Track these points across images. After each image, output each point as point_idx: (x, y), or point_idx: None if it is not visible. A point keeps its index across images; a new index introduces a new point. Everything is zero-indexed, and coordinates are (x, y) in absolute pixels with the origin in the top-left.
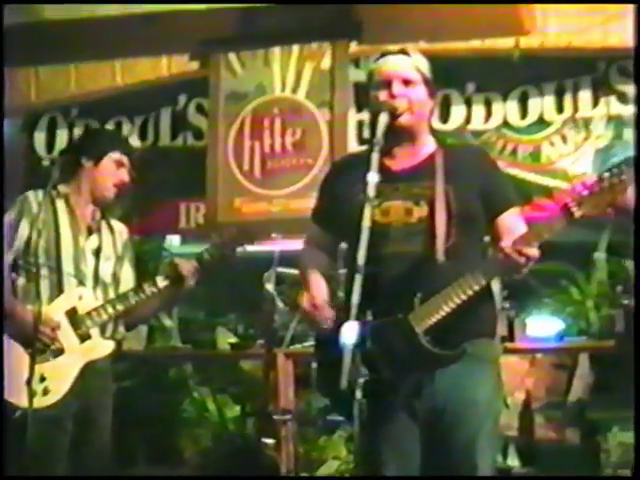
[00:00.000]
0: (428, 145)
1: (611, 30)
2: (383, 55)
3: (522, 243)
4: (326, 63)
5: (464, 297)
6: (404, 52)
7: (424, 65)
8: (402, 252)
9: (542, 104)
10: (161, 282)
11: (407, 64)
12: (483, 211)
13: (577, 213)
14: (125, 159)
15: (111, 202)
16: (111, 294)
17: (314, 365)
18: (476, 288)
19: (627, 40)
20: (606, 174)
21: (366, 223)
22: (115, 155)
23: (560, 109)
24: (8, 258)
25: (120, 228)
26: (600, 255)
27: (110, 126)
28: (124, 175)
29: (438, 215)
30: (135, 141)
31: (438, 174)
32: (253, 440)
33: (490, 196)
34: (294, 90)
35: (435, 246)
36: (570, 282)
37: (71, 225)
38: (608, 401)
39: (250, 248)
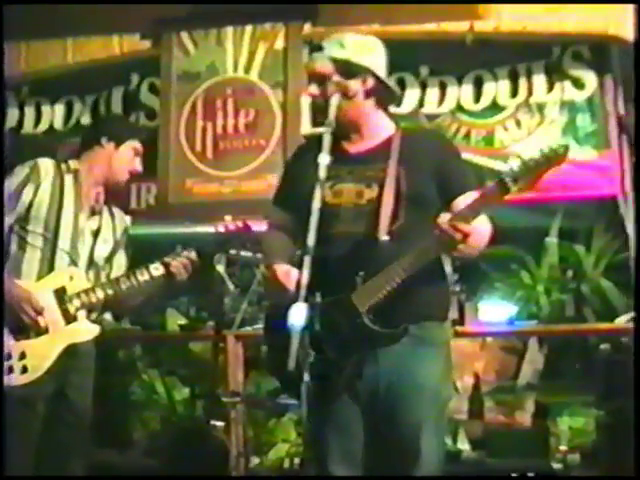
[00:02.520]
0: (385, 128)
1: (566, 16)
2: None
3: (458, 219)
4: (279, 44)
5: (405, 276)
6: (319, 47)
7: (339, 52)
8: (349, 232)
9: (496, 88)
10: (155, 271)
11: (319, 60)
12: (438, 195)
13: (513, 188)
14: (141, 149)
15: (121, 187)
16: (102, 278)
17: (264, 347)
18: (416, 266)
19: (582, 26)
20: (542, 149)
21: (316, 205)
22: (135, 143)
23: (514, 93)
24: (9, 220)
25: (121, 215)
26: (551, 240)
27: (61, 105)
28: (138, 164)
29: (386, 196)
30: (86, 119)
31: (392, 156)
32: (202, 423)
33: (446, 180)
34: (247, 70)
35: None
36: (521, 266)
37: (75, 202)
38: (558, 385)
39: (201, 229)
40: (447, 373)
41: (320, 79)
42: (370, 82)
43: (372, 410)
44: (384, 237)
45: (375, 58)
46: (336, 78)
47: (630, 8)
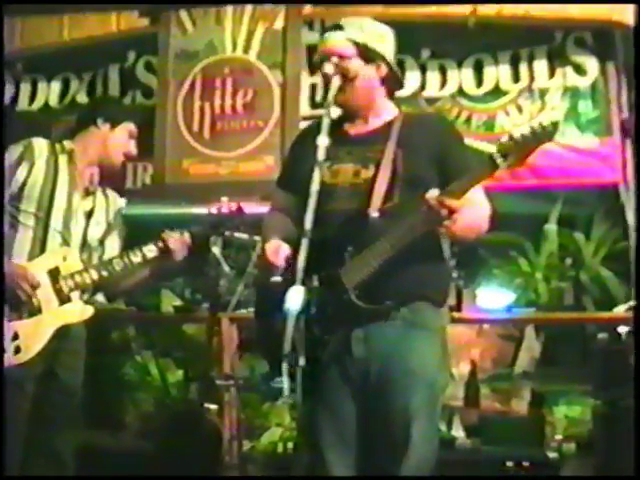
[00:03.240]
0: (388, 111)
1: (569, 1)
2: (325, 31)
3: (446, 195)
4: (279, 24)
5: (392, 252)
6: (338, 27)
7: (360, 35)
8: (343, 210)
9: (497, 73)
10: (149, 252)
11: (339, 39)
12: (437, 178)
13: (502, 164)
14: (136, 132)
15: (115, 169)
16: (95, 260)
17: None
18: (404, 242)
19: (585, 11)
20: (531, 126)
21: (314, 187)
22: (130, 125)
23: (516, 78)
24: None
25: (114, 196)
26: (551, 227)
27: (57, 82)
28: (133, 147)
29: (381, 175)
30: (82, 97)
31: (391, 138)
32: (195, 405)
33: (447, 165)
34: (245, 50)
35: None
36: (520, 253)
37: (69, 182)
38: (555, 374)
39: (197, 210)
40: (442, 359)
41: (336, 59)
42: (384, 69)
43: (363, 393)
44: (374, 214)
45: (389, 46)
46: (355, 60)
47: (631, 8)
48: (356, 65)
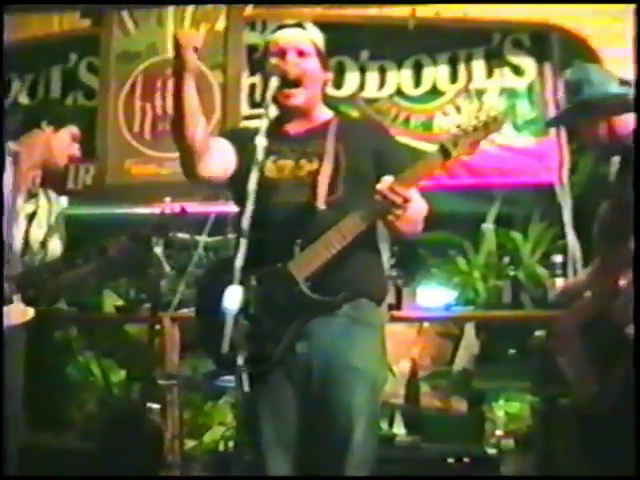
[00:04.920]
0: (324, 114)
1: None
2: (280, 27)
3: (398, 184)
4: (220, 25)
5: (344, 242)
6: (300, 25)
7: (319, 39)
8: (288, 203)
9: (435, 73)
10: (90, 254)
11: (302, 36)
12: (374, 170)
13: (453, 152)
14: (79, 135)
15: (59, 171)
16: (36, 263)
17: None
18: (355, 232)
19: (523, 14)
20: (480, 114)
21: (252, 186)
22: (73, 128)
23: (454, 79)
24: None
25: (56, 199)
26: (488, 226)
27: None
28: (77, 150)
29: (324, 167)
30: (24, 99)
31: (329, 135)
32: (138, 405)
33: (382, 157)
34: None
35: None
36: (458, 252)
37: (14, 184)
38: (494, 371)
39: (139, 210)
40: (382, 356)
41: (282, 54)
42: (330, 76)
43: (306, 391)
44: (322, 206)
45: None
46: (312, 59)
47: (631, 8)
48: (313, 66)
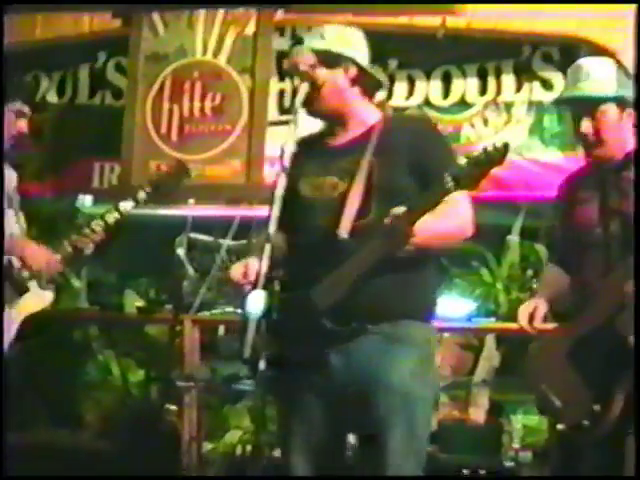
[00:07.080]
0: (369, 115)
1: (537, 16)
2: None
3: (404, 216)
4: (250, 29)
5: (361, 271)
6: (298, 40)
7: (320, 42)
8: (317, 227)
9: (465, 85)
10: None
11: (300, 52)
12: (417, 186)
13: (452, 189)
14: (27, 109)
15: (8, 152)
16: None
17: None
18: (371, 260)
19: (554, 28)
20: (483, 148)
21: (279, 192)
22: (16, 105)
23: (482, 91)
24: None
25: (10, 174)
26: (513, 238)
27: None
28: (23, 126)
29: (354, 189)
30: (53, 97)
31: (369, 147)
32: (156, 406)
33: (424, 172)
34: (215, 54)
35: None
36: (481, 264)
37: None
38: (513, 383)
39: (164, 212)
40: (423, 373)
41: (302, 71)
42: (352, 71)
43: (339, 405)
44: (344, 235)
45: (356, 47)
46: (319, 69)
47: (632, 8)
48: (320, 73)
